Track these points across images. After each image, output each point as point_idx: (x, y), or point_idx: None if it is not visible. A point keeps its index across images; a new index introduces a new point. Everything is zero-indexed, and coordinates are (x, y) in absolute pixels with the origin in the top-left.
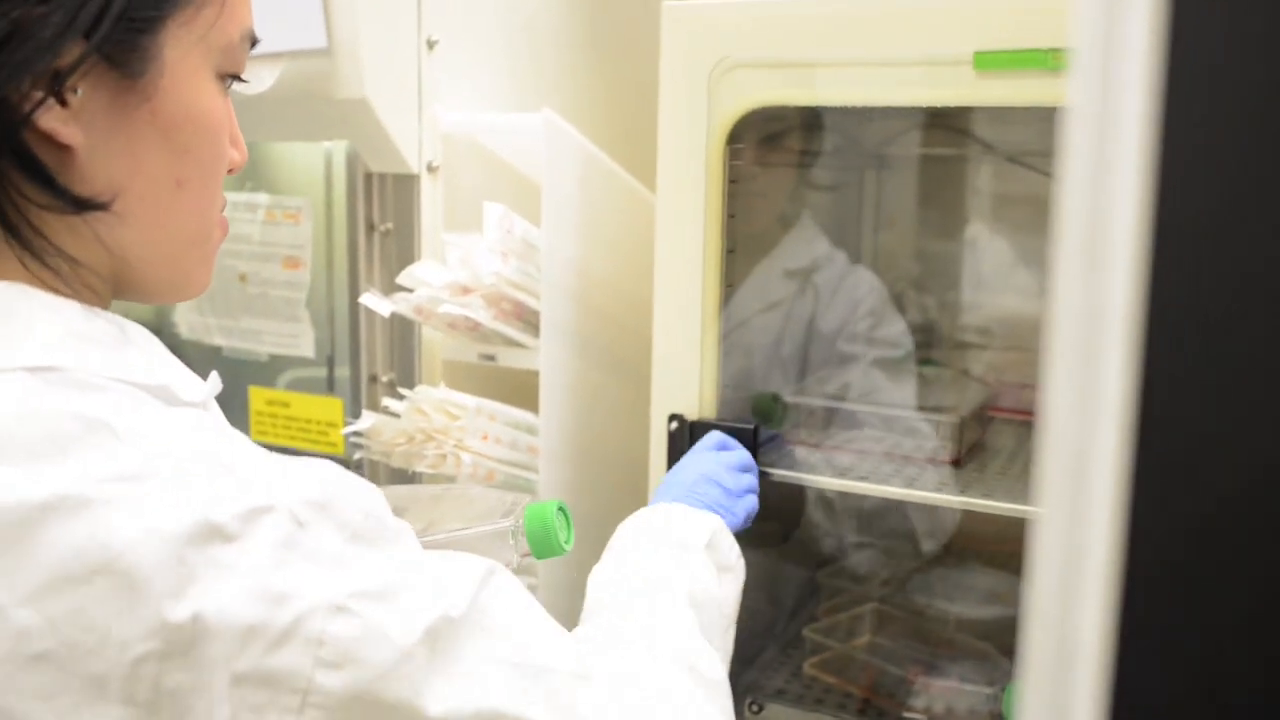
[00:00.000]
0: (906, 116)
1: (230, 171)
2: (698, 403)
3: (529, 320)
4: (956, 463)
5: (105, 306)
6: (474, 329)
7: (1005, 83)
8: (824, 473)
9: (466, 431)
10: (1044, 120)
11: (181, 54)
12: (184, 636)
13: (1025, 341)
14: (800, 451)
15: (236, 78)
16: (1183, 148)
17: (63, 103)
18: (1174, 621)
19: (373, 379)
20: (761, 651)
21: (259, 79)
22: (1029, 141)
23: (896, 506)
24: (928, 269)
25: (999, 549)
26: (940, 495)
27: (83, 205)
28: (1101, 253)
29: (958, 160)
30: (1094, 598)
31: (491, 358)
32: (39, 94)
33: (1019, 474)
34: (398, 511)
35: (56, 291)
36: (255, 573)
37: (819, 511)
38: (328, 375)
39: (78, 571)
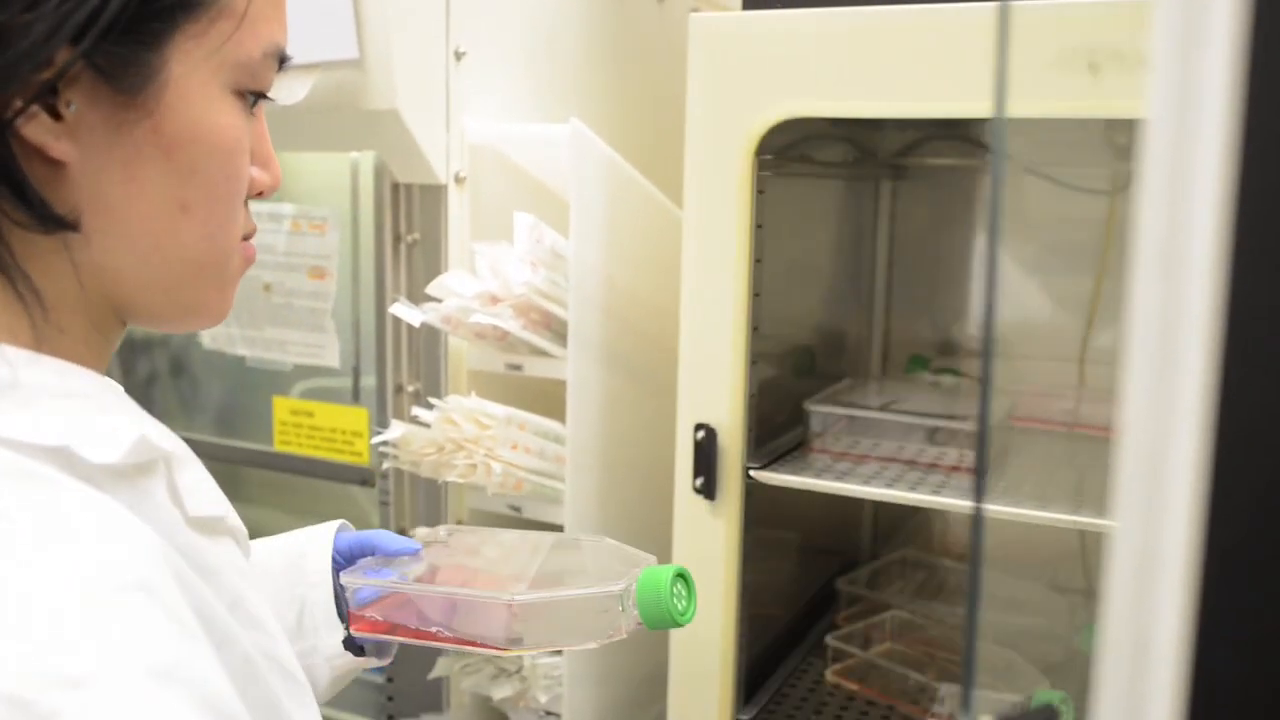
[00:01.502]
0: (928, 127)
1: (259, 195)
2: (726, 413)
3: (557, 330)
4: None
5: (107, 338)
6: (502, 339)
7: (1036, 94)
8: (851, 481)
9: (497, 441)
10: (1064, 131)
11: (189, 69)
12: None
13: (1047, 350)
14: (825, 459)
15: (261, 96)
16: (1261, 157)
17: (55, 116)
18: (1251, 622)
19: (398, 389)
20: (784, 659)
21: (292, 91)
22: (1050, 152)
23: (918, 515)
24: (949, 278)
25: (1022, 557)
26: (966, 503)
27: (52, 223)
28: (1179, 260)
29: (978, 171)
30: (1170, 600)
31: (518, 367)
32: (20, 103)
33: (1043, 481)
34: (494, 562)
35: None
36: None
37: (841, 519)
38: (353, 385)
39: None
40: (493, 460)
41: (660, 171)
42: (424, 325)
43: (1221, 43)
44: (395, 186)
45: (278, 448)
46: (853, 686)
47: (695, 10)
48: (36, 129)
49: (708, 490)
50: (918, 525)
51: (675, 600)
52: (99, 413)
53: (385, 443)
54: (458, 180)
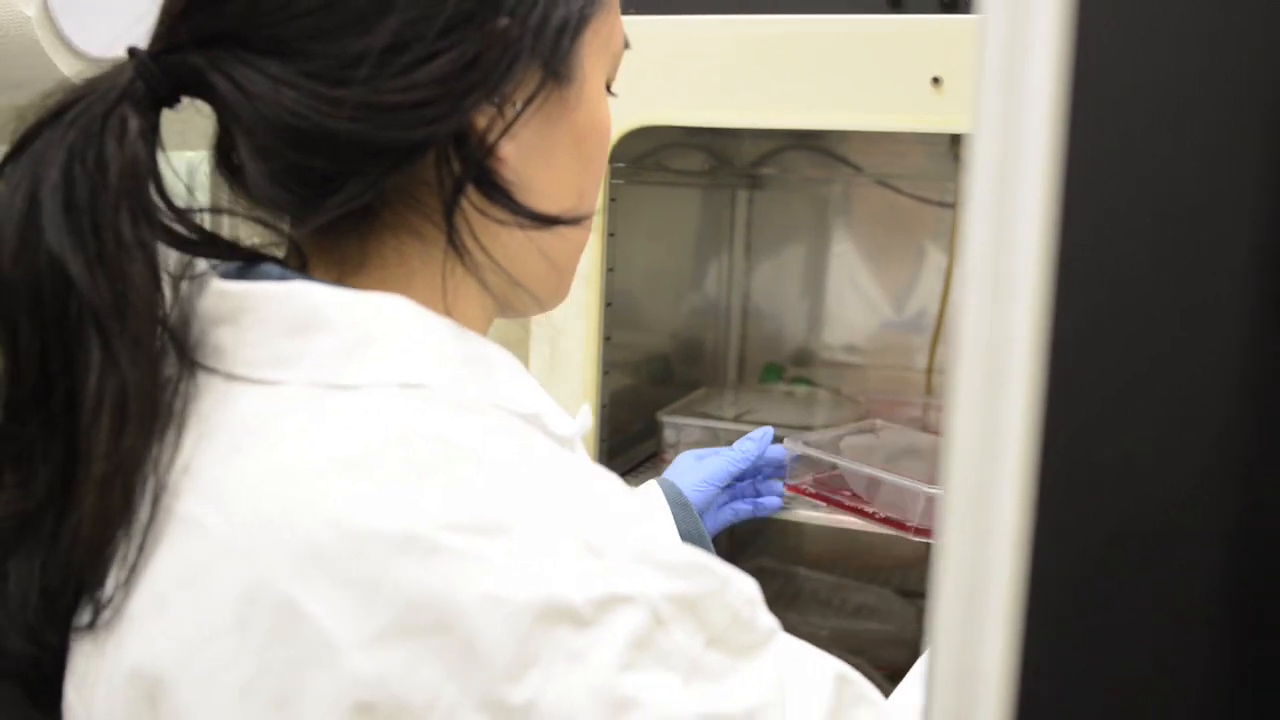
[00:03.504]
0: (784, 137)
1: None
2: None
3: None
4: None
5: (487, 328)
6: None
7: (885, 108)
8: None
9: None
10: (915, 145)
11: (594, 60)
12: None
13: (895, 359)
14: None
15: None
16: (1086, 173)
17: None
18: (1077, 651)
19: None
20: None
21: None
22: (901, 165)
23: (773, 525)
24: (804, 287)
25: (872, 565)
26: (816, 514)
27: (537, 219)
28: (1005, 279)
29: (829, 182)
30: (997, 626)
31: None
32: (494, 113)
33: None
34: (901, 456)
35: (444, 308)
36: (601, 670)
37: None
38: None
39: (420, 624)
40: None
41: None
42: None
43: (1045, 57)
44: None
45: None
46: None
47: None
48: (493, 131)
49: None
50: (773, 535)
51: None
52: (539, 389)
53: None
54: None
